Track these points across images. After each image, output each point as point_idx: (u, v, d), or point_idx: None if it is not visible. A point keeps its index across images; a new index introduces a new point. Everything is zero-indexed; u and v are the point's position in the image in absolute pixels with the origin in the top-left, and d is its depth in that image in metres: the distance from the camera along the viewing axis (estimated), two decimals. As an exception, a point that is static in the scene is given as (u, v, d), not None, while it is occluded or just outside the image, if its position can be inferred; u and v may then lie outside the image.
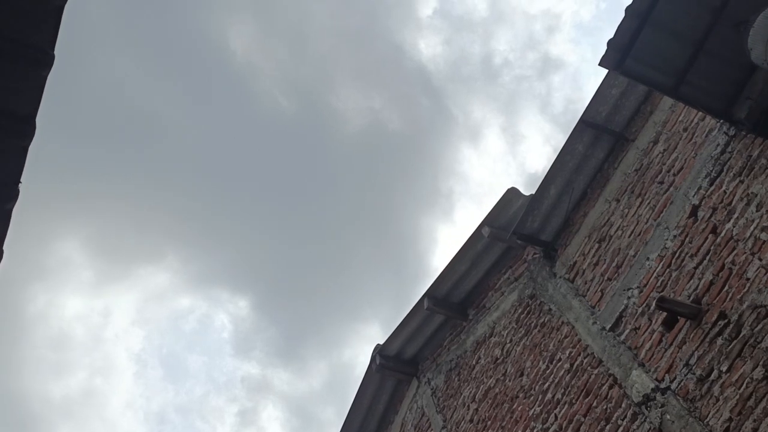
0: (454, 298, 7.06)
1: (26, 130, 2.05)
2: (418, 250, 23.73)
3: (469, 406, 6.43)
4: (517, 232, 6.03)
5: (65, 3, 1.98)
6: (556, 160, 5.83)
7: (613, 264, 5.13)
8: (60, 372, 21.50)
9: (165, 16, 20.85)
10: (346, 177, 22.64)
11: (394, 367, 7.64)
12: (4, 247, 2.22)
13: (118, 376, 22.68)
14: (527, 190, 6.41)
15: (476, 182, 24.80)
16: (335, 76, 23.09)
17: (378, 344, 7.68)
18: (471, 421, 6.28)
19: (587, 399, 4.73)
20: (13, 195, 2.12)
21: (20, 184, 2.08)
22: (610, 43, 4.23)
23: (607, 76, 5.50)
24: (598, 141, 5.74)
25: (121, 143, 20.06)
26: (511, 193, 6.24)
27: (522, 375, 5.77)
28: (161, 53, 20.74)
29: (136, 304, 22.93)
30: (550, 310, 5.75)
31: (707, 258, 4.22)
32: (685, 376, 3.97)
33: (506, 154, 24.88)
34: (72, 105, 18.89)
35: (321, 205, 22.44)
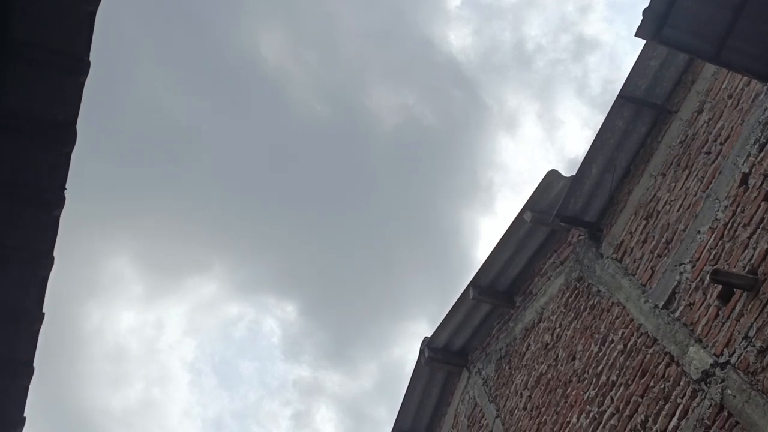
0: (500, 286, 6.97)
1: (67, 136, 2.06)
2: (461, 244, 23.61)
3: (521, 393, 6.35)
4: (560, 215, 5.92)
5: (96, 9, 1.98)
6: (596, 138, 5.71)
7: (663, 240, 5.00)
8: (118, 384, 21.96)
9: (194, 30, 21.12)
10: (385, 176, 22.64)
11: (443, 359, 7.59)
12: (55, 254, 2.23)
13: (174, 386, 23.08)
14: (568, 174, 6.30)
15: (515, 171, 24.56)
16: (366, 76, 23.11)
17: (426, 337, 7.63)
18: (524, 408, 6.19)
19: (643, 379, 4.61)
20: (60, 202, 2.14)
21: (66, 191, 2.10)
22: (646, 12, 4.11)
23: (644, 47, 5.36)
24: (639, 115, 5.60)
25: (161, 159, 20.39)
26: (552, 176, 6.13)
27: (574, 359, 5.66)
28: (194, 67, 21.00)
29: (187, 314, 23.29)
30: (599, 291, 5.63)
31: (761, 227, 4.07)
32: (744, 349, 3.84)
33: (544, 141, 24.58)
34: (112, 123, 19.26)
35: (362, 206, 22.48)
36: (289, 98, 21.99)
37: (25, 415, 2.30)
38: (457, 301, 7.15)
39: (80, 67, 1.96)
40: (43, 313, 2.23)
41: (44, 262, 2.16)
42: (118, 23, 19.61)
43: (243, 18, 21.86)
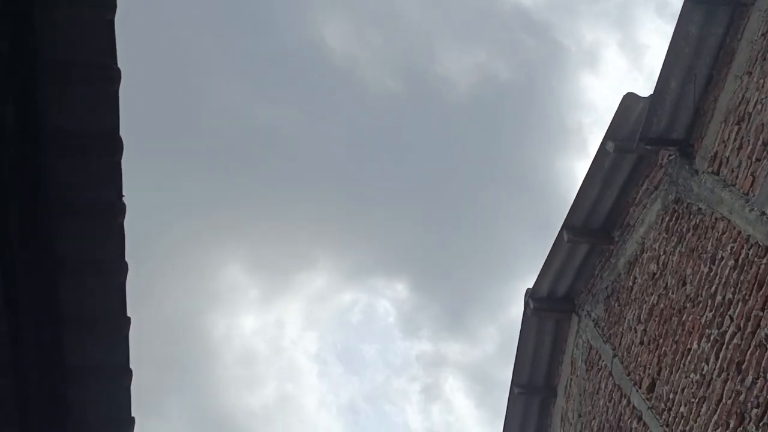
0: (594, 224, 6.72)
1: (113, 145, 2.08)
2: (559, 192, 23.05)
3: (635, 328, 6.11)
4: (644, 138, 5.62)
5: (114, 16, 1.98)
6: (668, 50, 5.36)
7: (759, 142, 4.65)
8: (253, 385, 22.85)
9: (260, 33, 21.38)
10: (470, 139, 22.32)
11: (550, 307, 7.41)
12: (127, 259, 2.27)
13: (304, 379, 23.80)
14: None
15: (604, 108, 23.66)
16: (433, 43, 22.76)
17: (528, 288, 7.48)
18: (641, 343, 5.96)
19: (761, 291, 4.33)
20: (121, 209, 2.17)
21: (124, 197, 2.13)
22: None
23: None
24: (712, 16, 5.21)
25: (251, 164, 20.88)
26: (629, 99, 5.81)
27: (685, 284, 5.39)
28: (266, 69, 21.28)
29: (303, 309, 23.91)
30: (699, 209, 5.32)
31: None
32: None
33: (631, 71, 23.50)
34: (198, 136, 19.85)
35: (452, 174, 22.28)
36: (362, 80, 22.00)
37: (133, 415, 2.38)
38: (552, 247, 6.95)
39: (110, 75, 1.97)
40: (129, 318, 2.28)
41: (119, 268, 2.21)
42: (184, 35, 20.13)
43: (304, 12, 21.95)
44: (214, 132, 20.30)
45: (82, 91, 2.00)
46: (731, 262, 4.74)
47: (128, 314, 2.27)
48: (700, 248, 5.24)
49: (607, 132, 5.98)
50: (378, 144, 22.21)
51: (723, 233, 4.93)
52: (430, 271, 23.49)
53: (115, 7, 1.91)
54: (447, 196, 22.55)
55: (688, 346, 5.18)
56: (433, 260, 23.10)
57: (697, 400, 4.92)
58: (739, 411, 4.36)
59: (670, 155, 5.75)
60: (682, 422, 5.15)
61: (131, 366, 2.31)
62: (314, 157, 21.67)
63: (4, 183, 1.92)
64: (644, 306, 6.01)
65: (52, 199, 2.04)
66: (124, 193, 2.12)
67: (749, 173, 4.71)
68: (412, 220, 22.51)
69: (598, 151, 6.15)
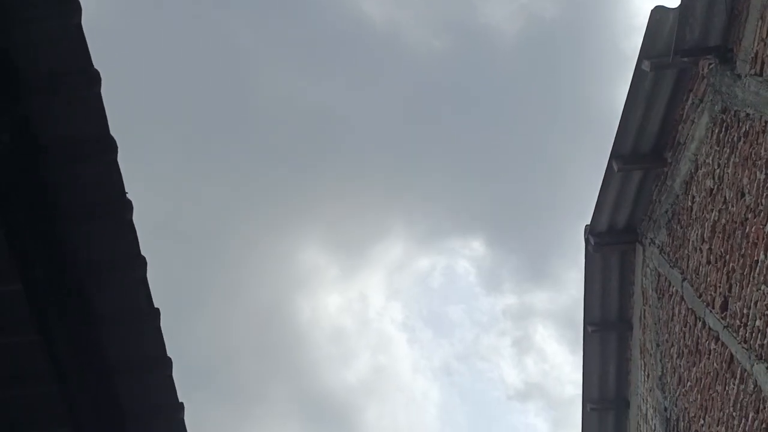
0: (644, 149, 6.49)
1: (107, 146, 2.12)
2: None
3: (700, 248, 5.91)
4: (680, 50, 5.37)
5: (80, 20, 2.00)
6: (691, -47, 5.09)
7: (799, 33, 4.38)
8: (347, 361, 23.33)
9: (296, 14, 21.38)
10: (527, 84, 21.88)
11: (611, 241, 7.24)
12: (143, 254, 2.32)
13: (395, 347, 24.15)
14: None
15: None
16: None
17: (586, 225, 7.32)
18: (708, 262, 5.77)
19: (820, 189, 4.10)
20: (128, 205, 2.22)
21: (127, 194, 2.18)
22: None
23: None
24: None
25: (310, 147, 21.06)
26: (658, 12, 5.54)
27: (743, 195, 5.16)
28: (308, 50, 21.31)
29: (384, 280, 24.16)
30: (747, 115, 5.07)
31: None
32: None
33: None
34: (257, 127, 20.12)
35: (512, 121, 21.92)
36: (407, 45, 21.77)
37: (181, 400, 2.45)
38: (604, 179, 6.76)
39: (90, 79, 2.00)
40: (157, 309, 2.34)
41: (138, 263, 2.26)
42: (223, 28, 20.34)
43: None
44: (270, 119, 20.56)
45: (66, 98, 2.04)
46: (786, 164, 4.51)
47: (156, 306, 2.33)
48: (753, 155, 4.99)
49: (640, 50, 5.74)
50: (433, 105, 22.03)
51: (774, 135, 4.68)
52: (503, 224, 23.32)
53: (79, 10, 1.93)
54: (510, 146, 22.24)
55: (756, 258, 4.98)
56: (505, 212, 22.91)
57: (770, 311, 4.74)
58: (813, 316, 4.17)
59: (710, 64, 5.48)
60: (759, 336, 4.97)
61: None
62: (372, 129, 21.71)
63: (8, 199, 1.98)
64: (706, 224, 5.80)
65: (58, 207, 2.11)
66: (126, 191, 2.16)
67: (793, 68, 4.44)
68: (478, 175, 22.33)
69: (634, 73, 5.92)
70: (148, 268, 2.26)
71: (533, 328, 23.90)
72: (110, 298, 2.27)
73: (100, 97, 2.02)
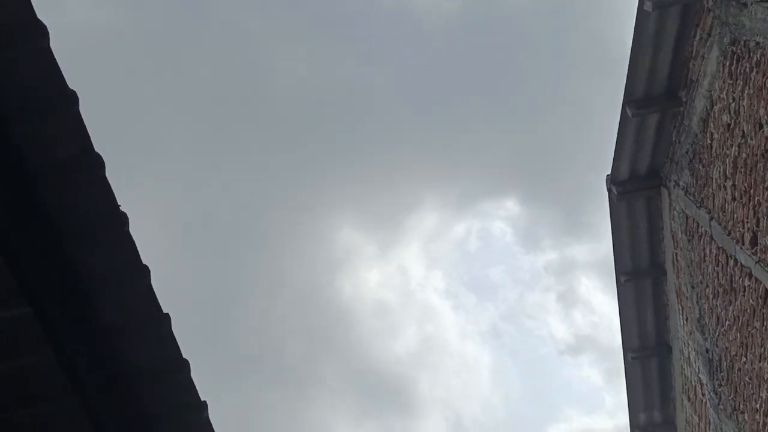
0: (657, 91, 6.35)
1: (93, 161, 2.13)
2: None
3: (724, 185, 5.79)
4: (681, -15, 5.22)
5: (48, 43, 2.01)
6: None
7: (800, -47, 4.22)
8: (395, 334, 23.52)
9: None
10: (543, 34, 21.50)
11: (635, 188, 7.13)
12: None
13: (440, 316, 24.26)
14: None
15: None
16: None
17: (607, 175, 7.21)
18: (733, 199, 5.65)
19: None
20: (123, 218, 2.25)
21: (120, 206, 2.20)
22: None
23: None
24: None
25: (335, 126, 21.05)
26: (655, -51, 5.39)
27: (761, 126, 5.02)
28: (317, 30, 21.21)
29: (422, 251, 24.21)
30: (757, 44, 4.92)
31: None
32: None
33: None
34: (283, 115, 20.14)
35: (534, 75, 21.60)
36: (416, 12, 21.56)
37: (204, 399, 2.50)
38: (620, 126, 6.64)
39: (67, 99, 2.01)
40: (167, 314, 2.38)
41: (140, 271, 2.29)
42: (238, 16, 20.33)
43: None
44: (288, 103, 20.57)
45: (48, 120, 2.06)
46: (800, 90, 4.37)
47: (165, 311, 2.36)
48: (767, 85, 4.85)
49: (641, -9, 5.59)
50: (449, 68, 21.81)
51: (786, 62, 4.54)
52: (535, 180, 23.15)
53: (46, 34, 1.95)
54: (533, 100, 21.98)
55: (780, 190, 4.86)
56: (536, 168, 22.72)
57: (799, 242, 4.64)
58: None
59: (714, -5, 5.31)
60: (791, 269, 4.87)
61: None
62: (392, 101, 21.62)
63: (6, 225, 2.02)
64: (727, 160, 5.67)
65: (54, 225, 2.14)
66: (119, 204, 2.18)
67: (797, -11, 4.29)
68: (505, 134, 22.16)
69: (637, 14, 5.77)
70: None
71: (577, 281, 23.81)
72: (118, 308, 2.31)
73: (80, 116, 2.03)
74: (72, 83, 2.03)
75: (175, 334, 2.41)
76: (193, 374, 2.50)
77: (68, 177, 2.17)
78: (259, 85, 20.41)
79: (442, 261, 25.06)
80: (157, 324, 2.37)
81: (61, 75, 2.04)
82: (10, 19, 1.90)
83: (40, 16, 1.95)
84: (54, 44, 2.01)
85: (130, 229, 2.30)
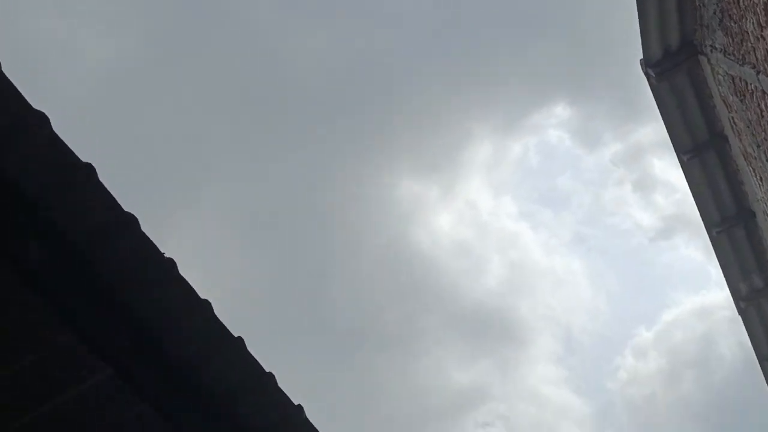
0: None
1: (85, 173, 2.12)
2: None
3: (761, 36, 5.51)
4: None
5: (51, 129, 2.05)
6: None
7: None
8: (482, 270, 23.54)
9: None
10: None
11: (671, 65, 6.87)
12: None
13: (521, 239, 24.10)
14: None
15: None
16: None
17: (639, 60, 6.96)
18: (775, 47, 5.37)
19: None
20: (170, 263, 2.31)
21: (164, 254, 2.26)
22: None
23: None
24: None
25: (358, 93, 20.95)
26: None
27: (783, -35, 4.74)
28: (329, 7, 21.00)
29: (484, 181, 24.00)
30: None
31: None
32: None
33: None
34: (303, 97, 20.13)
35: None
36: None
37: (298, 403, 2.59)
38: (638, 6, 6.38)
39: (36, 121, 1.99)
40: (239, 337, 2.44)
41: (203, 306, 2.36)
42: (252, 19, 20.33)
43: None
44: (317, 82, 20.47)
45: (71, 192, 2.12)
46: None
47: (238, 335, 2.44)
48: None
49: None
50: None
51: None
52: (577, 80, 22.60)
53: (47, 121, 2.00)
54: (552, 3, 21.29)
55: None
56: (574, 68, 22.14)
57: None
58: None
59: None
60: None
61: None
62: (414, 51, 21.31)
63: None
64: (757, 9, 5.38)
65: (109, 283, 2.22)
66: (126, 209, 2.23)
67: None
68: (532, 45, 21.63)
69: None
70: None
71: (648, 164, 23.17)
72: (190, 341, 2.39)
73: (54, 134, 2.05)
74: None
75: (252, 353, 2.48)
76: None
77: (108, 240, 2.24)
78: (285, 70, 20.38)
79: (507, 185, 24.81)
80: (232, 348, 2.45)
81: (74, 155, 2.10)
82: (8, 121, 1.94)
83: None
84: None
85: (181, 270, 2.36)
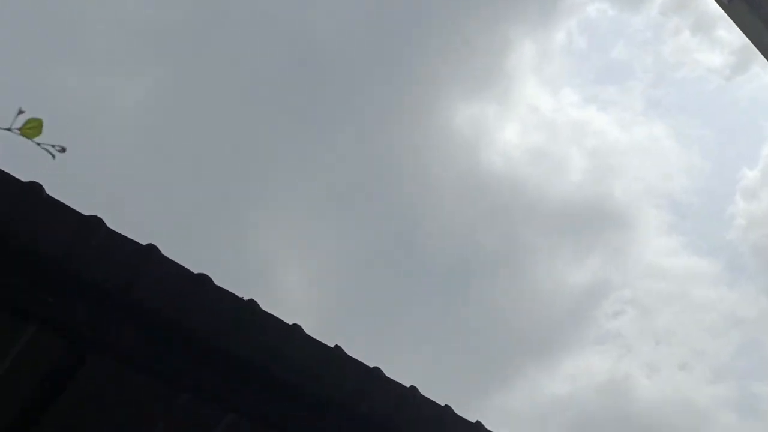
0: None
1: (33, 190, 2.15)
2: None
3: None
4: None
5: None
6: None
7: None
8: (563, 167, 21.96)
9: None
10: None
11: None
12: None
13: (592, 124, 22.71)
14: None
15: None
16: None
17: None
18: None
19: None
20: (252, 303, 2.45)
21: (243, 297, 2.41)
22: None
23: None
24: None
25: (380, 42, 20.49)
26: None
27: None
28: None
29: (538, 80, 22.79)
30: None
31: None
32: None
33: None
34: (322, 71, 19.90)
35: None
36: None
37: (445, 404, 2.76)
38: None
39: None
40: (375, 368, 2.68)
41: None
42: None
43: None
44: (329, 54, 19.98)
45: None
46: None
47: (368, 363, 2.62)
48: None
49: None
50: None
51: None
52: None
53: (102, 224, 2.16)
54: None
55: None
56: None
57: None
58: None
59: None
60: None
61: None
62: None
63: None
64: None
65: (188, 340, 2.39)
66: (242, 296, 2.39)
67: None
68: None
69: None
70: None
71: (702, 3, 21.52)
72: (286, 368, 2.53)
73: (169, 259, 2.25)
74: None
75: (391, 377, 2.67)
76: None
77: (194, 294, 2.39)
78: (307, 46, 20.11)
79: (562, 77, 23.75)
80: (339, 353, 2.58)
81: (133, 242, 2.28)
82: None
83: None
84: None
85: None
